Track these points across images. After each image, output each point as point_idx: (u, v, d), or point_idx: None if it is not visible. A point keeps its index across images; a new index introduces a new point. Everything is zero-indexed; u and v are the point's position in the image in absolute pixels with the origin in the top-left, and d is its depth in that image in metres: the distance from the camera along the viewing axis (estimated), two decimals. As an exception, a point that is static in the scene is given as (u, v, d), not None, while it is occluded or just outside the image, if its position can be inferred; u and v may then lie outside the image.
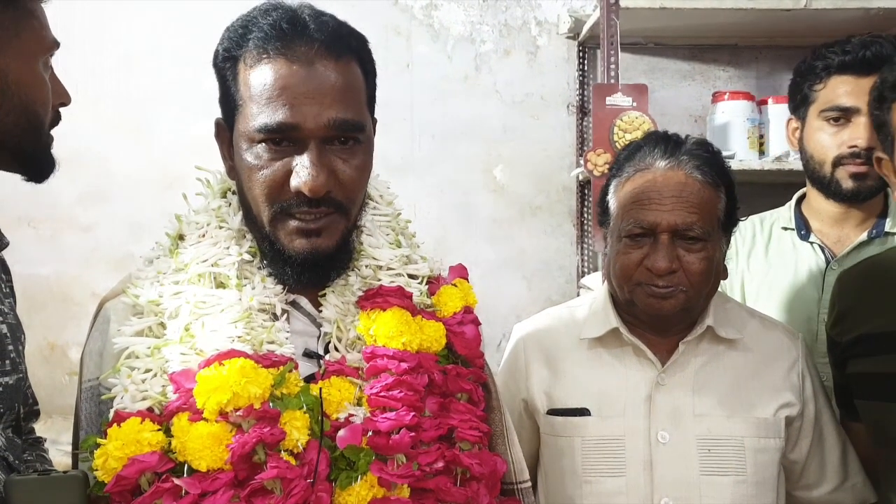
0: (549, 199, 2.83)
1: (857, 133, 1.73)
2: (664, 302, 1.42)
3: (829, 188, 1.79)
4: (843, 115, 1.76)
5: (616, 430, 1.45)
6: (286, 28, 1.05)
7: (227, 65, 1.10)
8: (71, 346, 2.51)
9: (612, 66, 2.45)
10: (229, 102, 1.10)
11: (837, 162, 1.76)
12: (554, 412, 1.49)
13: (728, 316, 1.52)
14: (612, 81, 2.46)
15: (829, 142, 1.77)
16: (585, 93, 2.80)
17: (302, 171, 1.04)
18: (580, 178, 2.74)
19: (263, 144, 1.05)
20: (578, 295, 2.70)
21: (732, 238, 1.86)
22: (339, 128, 1.06)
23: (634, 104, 2.43)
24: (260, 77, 1.05)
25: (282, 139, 1.05)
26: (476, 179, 2.81)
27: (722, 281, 1.86)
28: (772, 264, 1.86)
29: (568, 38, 2.82)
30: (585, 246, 2.80)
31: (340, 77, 1.06)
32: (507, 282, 2.80)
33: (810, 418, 1.51)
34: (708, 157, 1.46)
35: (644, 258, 1.41)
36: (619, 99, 2.42)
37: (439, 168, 2.78)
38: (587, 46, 2.81)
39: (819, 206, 1.85)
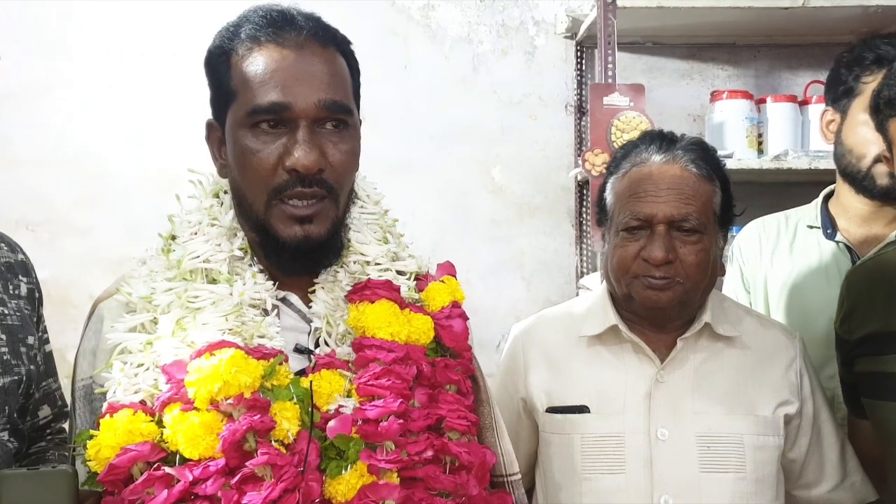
0: (548, 199, 2.83)
1: None
2: (661, 294, 1.42)
3: (862, 183, 1.75)
4: None
5: (615, 428, 1.45)
6: (276, 17, 1.12)
7: (219, 61, 1.14)
8: (69, 349, 2.49)
9: (610, 66, 2.45)
10: (221, 97, 1.14)
11: (878, 158, 1.67)
12: (553, 410, 1.49)
13: (726, 314, 1.53)
14: (610, 81, 2.45)
15: (873, 136, 1.65)
16: (583, 93, 2.79)
17: (295, 149, 1.07)
18: (578, 178, 2.74)
19: (256, 129, 1.09)
20: (577, 295, 2.70)
21: (756, 236, 1.89)
22: (329, 108, 1.09)
23: (632, 104, 2.42)
24: (252, 64, 1.10)
25: (274, 121, 1.09)
26: (474, 180, 2.81)
27: (740, 279, 1.88)
28: (796, 263, 1.82)
29: (565, 38, 2.82)
30: (584, 246, 2.80)
31: (328, 63, 1.12)
32: (505, 282, 2.80)
33: (809, 417, 1.51)
34: (703, 153, 1.48)
35: (641, 250, 1.43)
36: (616, 99, 2.42)
37: (437, 169, 2.78)
38: (585, 46, 2.80)
39: (849, 203, 1.80)
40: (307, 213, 1.09)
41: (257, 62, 1.09)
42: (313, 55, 1.10)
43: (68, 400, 1.46)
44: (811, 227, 1.85)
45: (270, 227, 1.10)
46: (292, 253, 1.11)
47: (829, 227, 1.82)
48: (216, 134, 1.17)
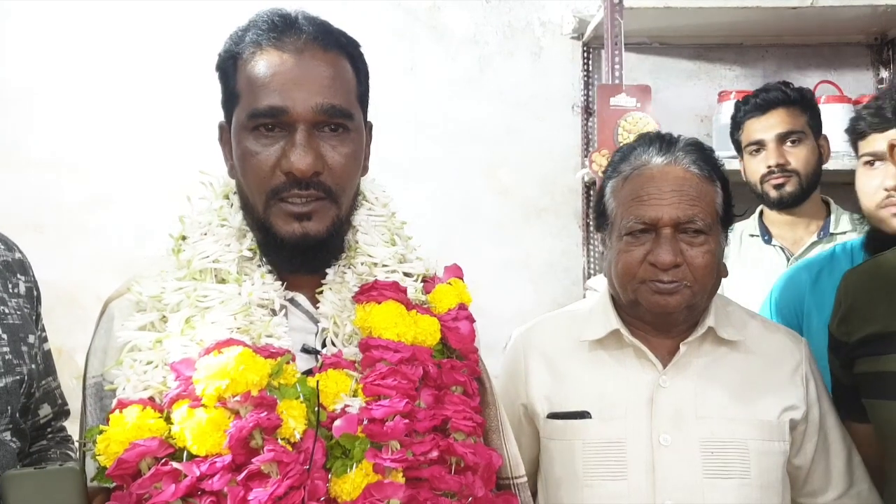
0: (554, 200, 2.83)
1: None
2: (670, 298, 1.40)
3: (762, 197, 2.24)
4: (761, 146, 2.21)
5: (617, 433, 1.43)
6: (278, 22, 1.13)
7: (227, 64, 1.15)
8: (77, 350, 2.50)
9: (617, 67, 2.45)
10: (230, 100, 1.16)
11: (764, 178, 2.21)
12: (554, 416, 1.48)
13: (730, 318, 1.51)
14: (617, 82, 2.45)
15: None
16: (590, 93, 2.79)
17: (291, 152, 1.08)
18: (585, 179, 2.74)
19: (256, 131, 1.11)
20: (584, 297, 2.69)
21: None
22: (327, 112, 1.10)
23: (639, 105, 2.42)
24: (254, 68, 1.11)
25: (273, 125, 1.10)
26: (480, 181, 2.81)
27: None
28: (744, 265, 2.17)
29: (572, 39, 2.82)
30: (591, 247, 2.79)
31: (329, 67, 1.12)
32: (512, 284, 2.79)
33: (815, 422, 1.49)
34: (702, 154, 1.47)
35: (647, 254, 1.41)
36: (622, 100, 2.42)
37: (443, 170, 2.78)
38: (592, 47, 2.80)
39: (772, 214, 2.25)
40: (305, 211, 1.10)
41: (258, 66, 1.11)
42: (313, 59, 1.11)
43: (69, 399, 1.47)
44: (752, 235, 2.27)
45: (271, 226, 1.11)
46: (291, 250, 1.12)
47: (766, 234, 2.26)
48: (227, 135, 1.18)
